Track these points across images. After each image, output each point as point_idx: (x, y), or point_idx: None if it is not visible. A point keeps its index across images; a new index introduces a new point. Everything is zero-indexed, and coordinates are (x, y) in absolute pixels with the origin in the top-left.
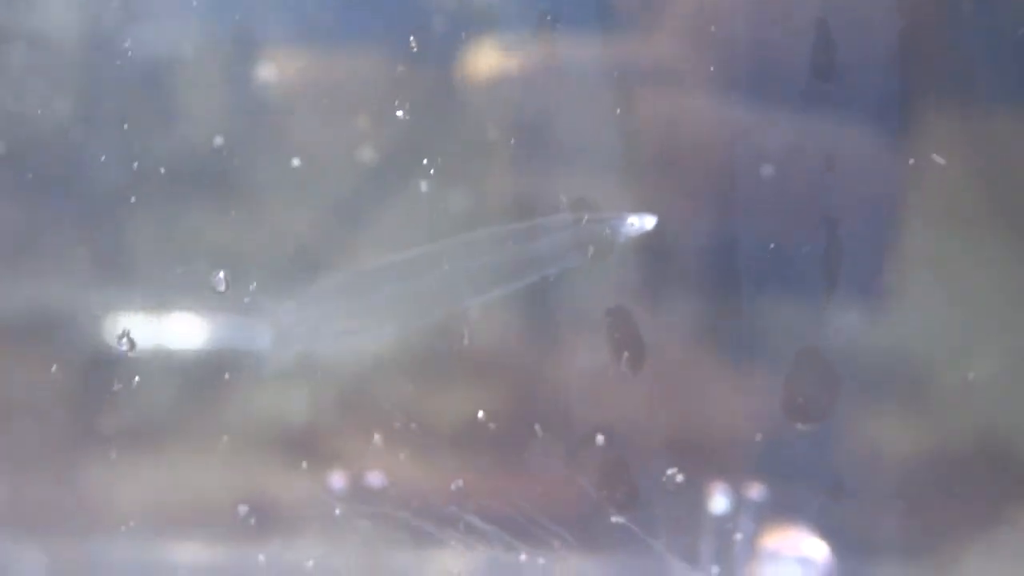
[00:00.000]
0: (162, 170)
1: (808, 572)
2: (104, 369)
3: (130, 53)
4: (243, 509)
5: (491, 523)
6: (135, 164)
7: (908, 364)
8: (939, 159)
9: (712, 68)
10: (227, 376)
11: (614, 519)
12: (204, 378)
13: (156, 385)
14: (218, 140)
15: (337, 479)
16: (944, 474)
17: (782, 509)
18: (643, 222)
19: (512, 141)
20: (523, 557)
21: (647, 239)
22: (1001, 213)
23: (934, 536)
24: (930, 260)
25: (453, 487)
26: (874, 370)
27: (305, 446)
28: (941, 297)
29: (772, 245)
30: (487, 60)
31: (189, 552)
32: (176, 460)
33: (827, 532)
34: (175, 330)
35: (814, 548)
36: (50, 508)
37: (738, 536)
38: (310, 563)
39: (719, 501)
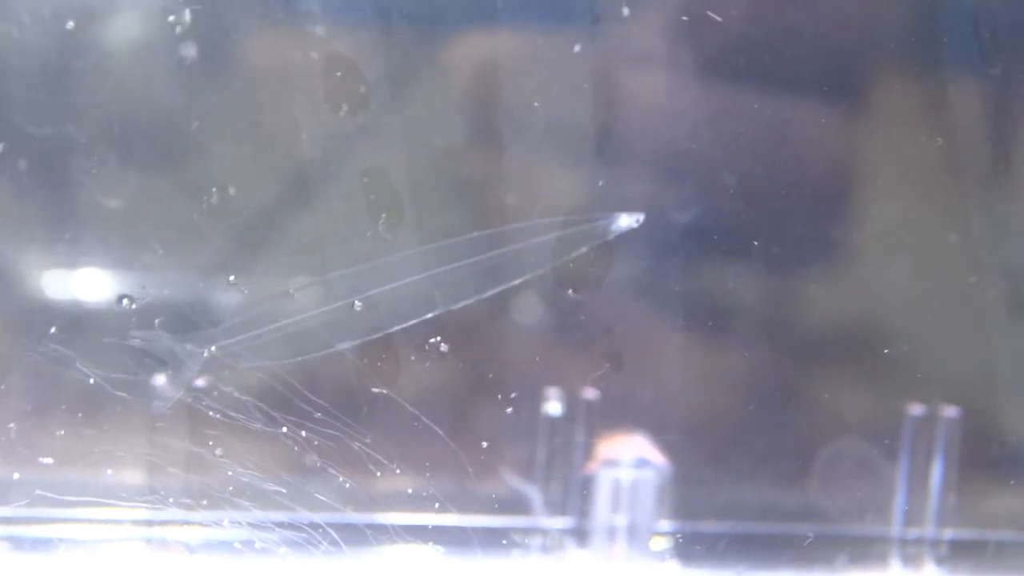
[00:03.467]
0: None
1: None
2: None
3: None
4: None
5: (249, 394)
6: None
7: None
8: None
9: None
10: None
11: (375, 389)
12: None
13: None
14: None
15: None
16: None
17: (553, 377)
18: (631, 220)
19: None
20: (284, 429)
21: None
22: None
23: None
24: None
25: (205, 354)
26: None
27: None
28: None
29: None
30: (469, 52)
31: None
32: None
33: (605, 399)
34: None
35: (589, 417)
36: None
37: (509, 410)
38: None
39: (484, 370)
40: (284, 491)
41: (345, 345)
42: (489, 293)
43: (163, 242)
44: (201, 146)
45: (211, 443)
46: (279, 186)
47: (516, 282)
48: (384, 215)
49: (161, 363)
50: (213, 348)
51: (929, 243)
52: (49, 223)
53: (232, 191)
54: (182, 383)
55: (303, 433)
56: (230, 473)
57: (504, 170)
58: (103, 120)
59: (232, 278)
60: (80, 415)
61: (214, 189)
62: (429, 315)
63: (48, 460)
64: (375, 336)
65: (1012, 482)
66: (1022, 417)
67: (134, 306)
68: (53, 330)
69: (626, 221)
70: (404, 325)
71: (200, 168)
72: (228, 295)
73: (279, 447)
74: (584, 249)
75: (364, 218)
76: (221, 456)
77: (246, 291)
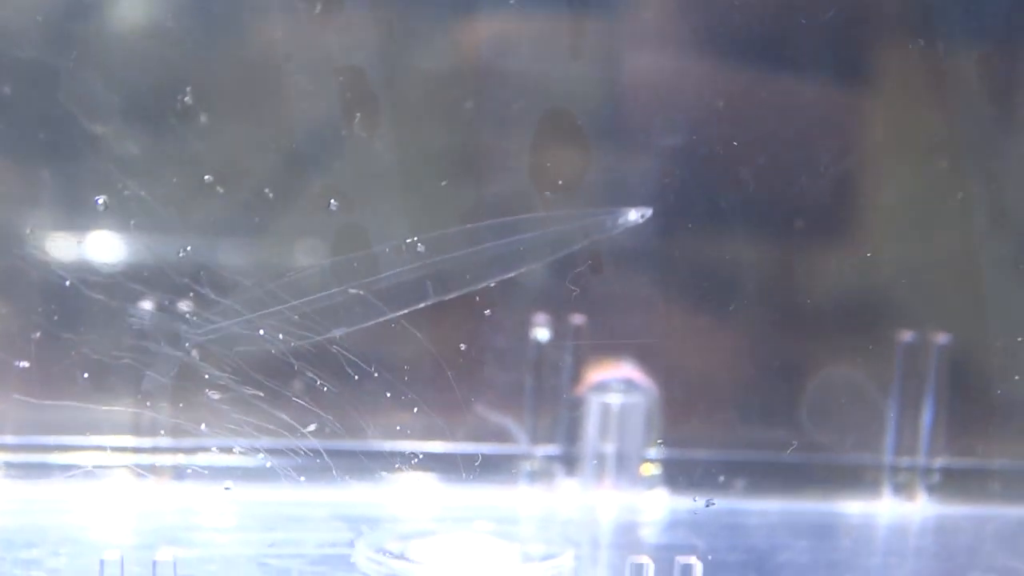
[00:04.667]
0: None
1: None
2: None
3: None
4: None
5: (221, 294)
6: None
7: None
8: None
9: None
10: None
11: (352, 291)
12: None
13: None
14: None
15: None
16: None
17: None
18: (637, 215)
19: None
20: (262, 332)
21: None
22: None
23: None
24: None
25: (181, 254)
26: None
27: None
28: None
29: None
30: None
31: None
32: None
33: (593, 324)
34: None
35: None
36: None
37: (486, 312)
38: None
39: (458, 268)
40: (261, 395)
41: (339, 332)
42: (488, 283)
43: (139, 143)
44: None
45: (187, 344)
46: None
47: (515, 273)
48: (359, 114)
49: (156, 342)
50: (207, 331)
51: (918, 169)
52: (25, 130)
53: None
54: (174, 362)
55: (280, 336)
56: (207, 376)
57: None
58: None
59: (208, 177)
60: (56, 318)
61: (188, 89)
62: (425, 303)
63: (24, 363)
64: (369, 323)
65: (1004, 409)
66: (1013, 343)
67: (108, 207)
68: (28, 231)
69: (633, 216)
70: (400, 313)
71: (168, 74)
72: (202, 194)
73: (255, 350)
74: (587, 241)
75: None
76: (199, 360)
77: (223, 194)
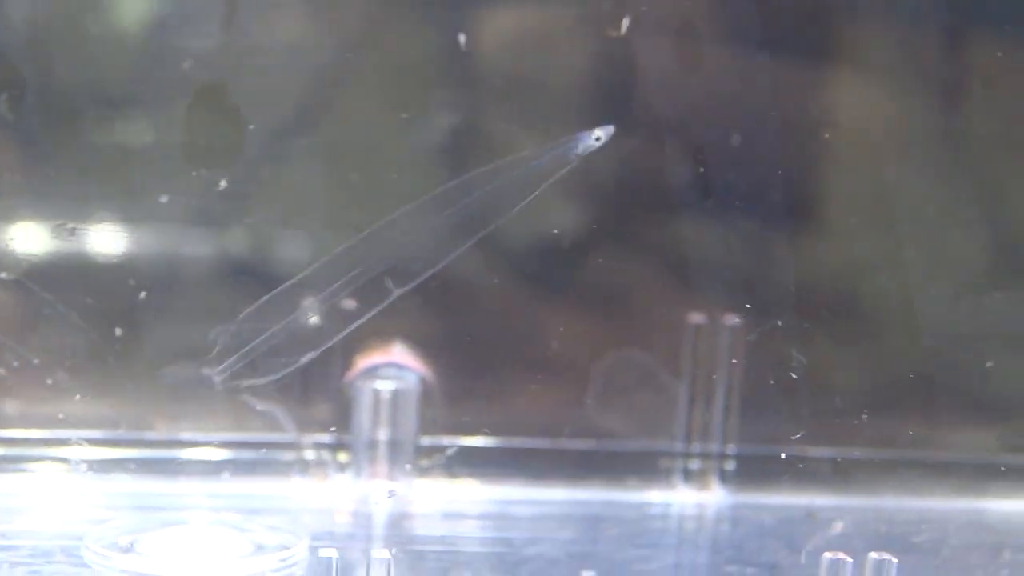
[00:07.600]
0: None
1: None
2: None
3: None
4: None
5: None
6: None
7: None
8: None
9: None
10: None
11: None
12: None
13: None
14: None
15: None
16: None
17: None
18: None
19: None
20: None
21: None
22: None
23: None
24: None
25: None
26: None
27: None
28: None
29: None
30: None
31: None
32: None
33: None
34: None
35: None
36: None
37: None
38: None
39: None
40: None
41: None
42: (461, 248)
43: None
44: None
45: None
46: None
47: (484, 232)
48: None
49: None
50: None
51: (719, 145)
52: None
53: None
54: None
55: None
56: None
57: None
58: None
59: None
60: None
61: None
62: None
63: None
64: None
65: (798, 393)
66: (808, 324)
67: None
68: None
69: (596, 137)
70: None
71: None
72: None
73: None
74: (551, 180)
75: None
76: None
77: None
